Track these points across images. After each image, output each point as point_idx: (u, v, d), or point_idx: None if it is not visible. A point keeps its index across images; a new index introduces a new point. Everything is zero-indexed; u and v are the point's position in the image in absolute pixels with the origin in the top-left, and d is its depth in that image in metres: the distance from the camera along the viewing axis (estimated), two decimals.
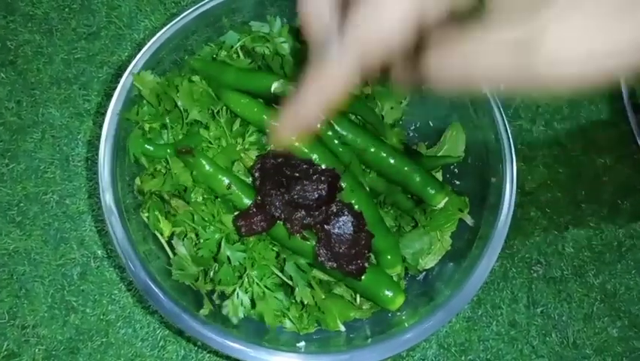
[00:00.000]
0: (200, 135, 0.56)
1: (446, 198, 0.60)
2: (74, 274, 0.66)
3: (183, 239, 0.56)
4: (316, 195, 0.54)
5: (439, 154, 0.64)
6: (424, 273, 0.63)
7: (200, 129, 0.57)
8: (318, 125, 0.56)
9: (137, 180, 0.58)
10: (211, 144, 0.57)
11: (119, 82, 0.57)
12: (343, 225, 0.54)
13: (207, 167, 0.55)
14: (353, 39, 0.26)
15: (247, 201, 0.55)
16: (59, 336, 0.64)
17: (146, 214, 0.57)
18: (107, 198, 0.54)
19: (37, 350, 0.64)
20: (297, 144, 0.55)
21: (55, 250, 0.67)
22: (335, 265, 0.53)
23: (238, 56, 0.60)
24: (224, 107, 0.58)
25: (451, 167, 0.66)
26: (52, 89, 0.72)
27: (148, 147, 0.56)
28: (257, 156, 0.56)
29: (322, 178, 0.54)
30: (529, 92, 0.22)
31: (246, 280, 0.54)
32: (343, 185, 0.55)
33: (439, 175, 0.65)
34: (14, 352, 0.63)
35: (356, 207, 0.55)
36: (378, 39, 0.25)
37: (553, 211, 0.74)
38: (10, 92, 0.71)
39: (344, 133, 0.58)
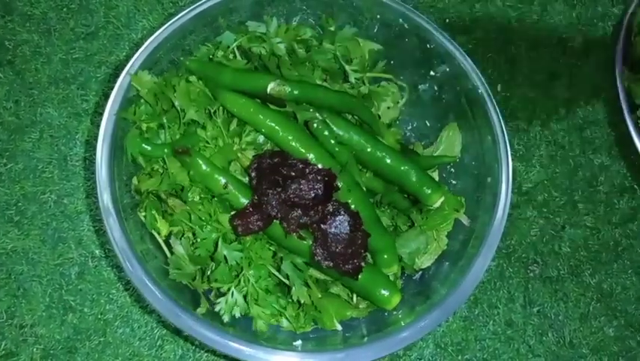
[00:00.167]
0: (197, 135, 0.57)
1: (442, 198, 0.60)
2: (72, 273, 0.66)
3: (180, 238, 0.56)
4: (313, 195, 0.54)
5: (435, 154, 0.65)
6: (420, 272, 0.63)
7: (197, 129, 0.57)
8: (315, 125, 0.57)
9: (135, 180, 0.58)
10: (208, 143, 0.57)
11: (116, 82, 0.57)
12: (340, 224, 0.54)
13: (204, 166, 0.55)
14: None
15: (244, 201, 0.55)
16: (57, 335, 0.64)
17: (144, 214, 0.57)
18: (105, 197, 0.54)
19: (34, 349, 0.64)
20: (293, 143, 0.56)
21: (53, 250, 0.67)
22: (331, 264, 0.53)
23: (235, 56, 0.60)
24: (221, 107, 0.58)
25: (448, 167, 0.66)
26: (50, 89, 0.72)
27: (145, 146, 0.56)
28: (253, 156, 0.56)
29: (319, 178, 0.54)
30: None
31: (242, 279, 0.54)
32: (340, 184, 0.56)
33: (435, 175, 0.65)
34: (12, 351, 0.63)
35: (352, 206, 0.55)
36: None
37: (550, 211, 0.74)
38: (8, 92, 0.72)
39: (340, 133, 0.58)
